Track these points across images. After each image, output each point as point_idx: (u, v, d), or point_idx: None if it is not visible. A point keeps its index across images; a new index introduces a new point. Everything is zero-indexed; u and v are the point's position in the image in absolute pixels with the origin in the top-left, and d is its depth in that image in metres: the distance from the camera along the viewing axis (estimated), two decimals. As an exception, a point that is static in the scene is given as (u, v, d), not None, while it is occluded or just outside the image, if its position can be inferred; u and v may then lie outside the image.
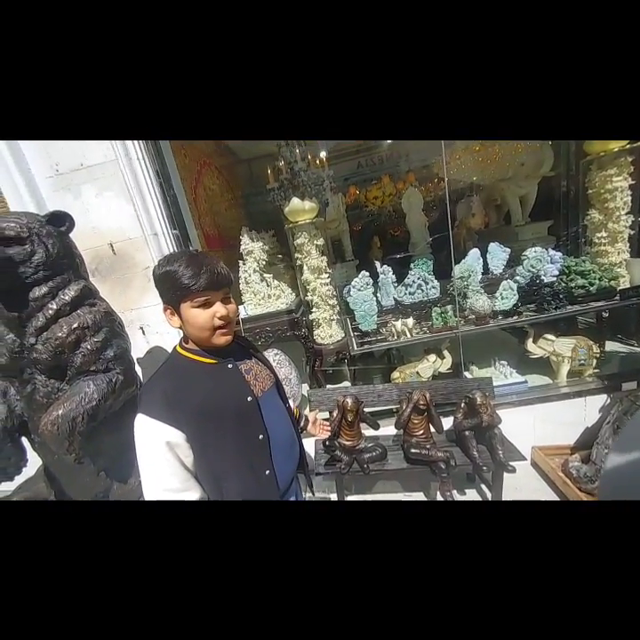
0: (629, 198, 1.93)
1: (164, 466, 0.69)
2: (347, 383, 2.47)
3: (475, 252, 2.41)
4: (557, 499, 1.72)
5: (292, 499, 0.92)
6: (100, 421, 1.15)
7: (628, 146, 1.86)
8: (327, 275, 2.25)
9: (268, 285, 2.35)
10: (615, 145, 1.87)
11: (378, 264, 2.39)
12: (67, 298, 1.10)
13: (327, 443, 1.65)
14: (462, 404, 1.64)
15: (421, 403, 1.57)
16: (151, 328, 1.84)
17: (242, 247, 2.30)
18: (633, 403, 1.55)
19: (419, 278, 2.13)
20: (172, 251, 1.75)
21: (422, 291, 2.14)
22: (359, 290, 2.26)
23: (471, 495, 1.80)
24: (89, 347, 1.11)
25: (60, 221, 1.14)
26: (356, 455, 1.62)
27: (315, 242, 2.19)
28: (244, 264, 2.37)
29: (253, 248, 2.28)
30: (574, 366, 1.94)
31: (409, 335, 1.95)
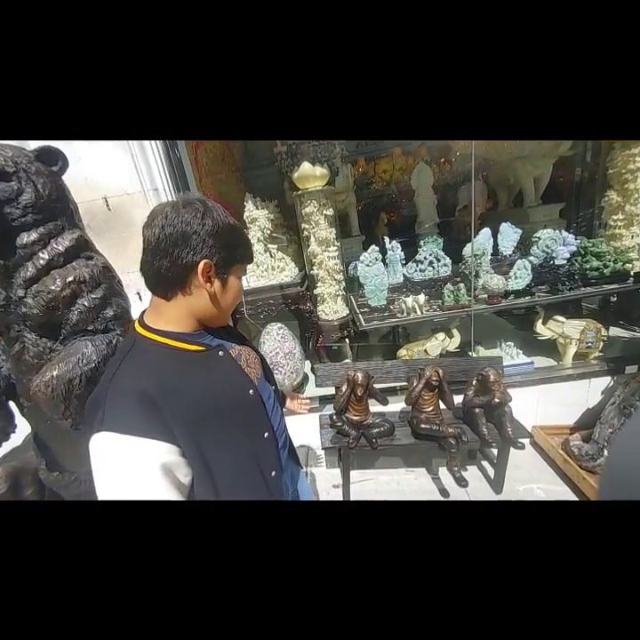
0: (651, 179, 1.89)
1: (155, 496, 0.49)
2: (347, 361, 2.42)
3: (486, 232, 2.35)
4: (556, 476, 1.75)
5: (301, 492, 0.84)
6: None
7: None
8: (335, 248, 2.15)
9: (271, 257, 2.24)
10: None
11: (387, 240, 2.29)
12: (60, 248, 0.98)
13: (334, 417, 1.61)
14: (474, 382, 1.61)
15: (434, 379, 1.54)
16: (149, 293, 1.72)
17: (245, 214, 2.16)
18: (635, 385, 1.56)
19: (431, 255, 2.06)
20: None
21: (433, 268, 2.08)
22: (367, 265, 2.17)
23: (472, 471, 1.81)
24: (86, 303, 1.00)
25: (52, 159, 0.99)
26: (364, 430, 1.59)
27: (324, 211, 2.07)
28: (248, 232, 2.23)
29: (258, 216, 2.14)
30: (581, 349, 1.93)
31: (419, 312, 1.90)
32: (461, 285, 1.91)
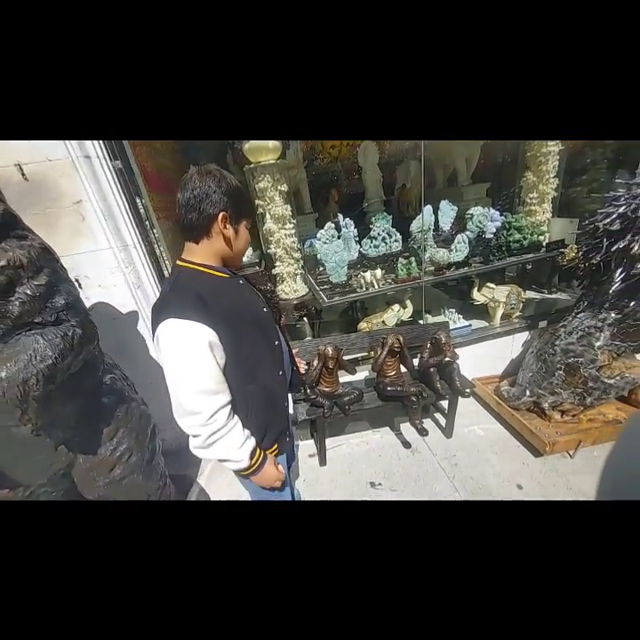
0: (557, 162, 2.23)
1: (203, 366, 0.71)
2: (308, 339, 2.49)
3: (429, 209, 2.54)
4: (491, 417, 2.11)
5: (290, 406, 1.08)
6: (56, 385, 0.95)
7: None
8: (292, 225, 2.13)
9: (225, 235, 2.12)
10: (552, 111, 2.09)
11: (340, 217, 2.34)
12: (-18, 226, 0.82)
13: (308, 391, 1.68)
14: (428, 345, 1.82)
15: (396, 345, 1.69)
16: (91, 280, 1.52)
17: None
18: (552, 334, 1.93)
19: (383, 231, 2.18)
20: (111, 181, 1.40)
21: (386, 243, 2.21)
22: (325, 242, 2.21)
23: (427, 423, 2.08)
24: (29, 292, 0.87)
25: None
26: (336, 400, 1.70)
27: (278, 187, 2.01)
28: (195, 209, 2.07)
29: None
30: (506, 310, 2.29)
31: (377, 286, 2.03)
32: (412, 259, 2.08)
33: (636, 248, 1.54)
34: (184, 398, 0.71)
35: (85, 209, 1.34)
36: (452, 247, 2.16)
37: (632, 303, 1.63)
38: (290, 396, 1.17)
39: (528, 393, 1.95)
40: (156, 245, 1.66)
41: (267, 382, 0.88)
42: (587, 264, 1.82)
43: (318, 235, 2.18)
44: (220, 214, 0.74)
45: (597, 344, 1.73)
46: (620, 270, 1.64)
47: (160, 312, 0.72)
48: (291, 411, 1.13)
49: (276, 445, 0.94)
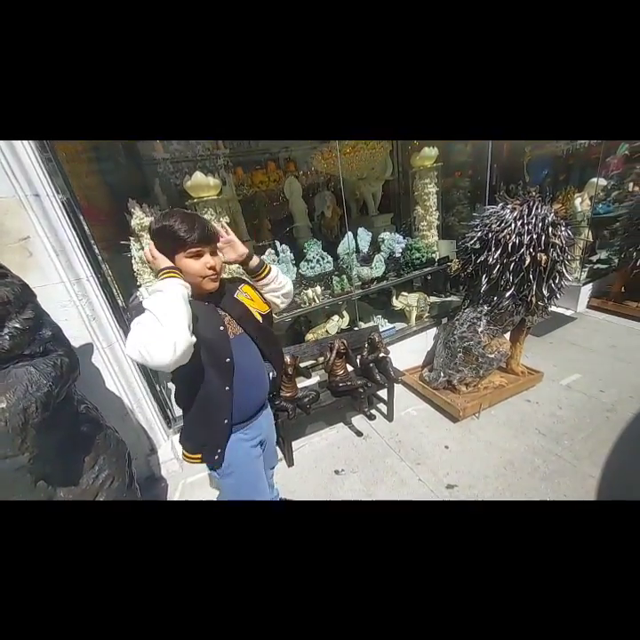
0: (436, 199, 2.97)
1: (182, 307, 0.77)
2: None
3: (349, 234, 3.05)
4: (419, 399, 2.59)
5: (263, 419, 1.16)
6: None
7: (434, 164, 2.85)
8: (236, 252, 2.33)
9: (170, 264, 2.19)
10: (428, 162, 2.82)
11: (277, 243, 2.64)
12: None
13: (271, 398, 1.86)
14: (366, 345, 2.20)
15: (342, 348, 2.02)
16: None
17: (134, 221, 2.03)
18: (451, 327, 2.52)
19: (317, 254, 2.55)
20: (61, 216, 1.41)
21: (320, 265, 2.58)
22: (267, 266, 2.46)
23: (372, 411, 2.44)
24: (18, 325, 0.91)
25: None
26: (297, 402, 1.92)
27: (220, 219, 2.21)
28: (137, 241, 2.10)
29: (149, 222, 2.06)
30: (419, 312, 2.87)
31: (318, 300, 2.36)
32: (344, 276, 2.49)
33: (491, 260, 2.21)
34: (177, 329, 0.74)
35: (33, 245, 1.32)
36: (373, 265, 2.65)
37: (495, 298, 2.30)
38: (265, 413, 1.20)
39: (442, 374, 2.48)
40: (108, 276, 1.67)
41: (208, 396, 0.94)
42: (464, 273, 2.48)
43: (260, 260, 2.42)
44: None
45: (480, 330, 2.36)
46: (484, 276, 2.31)
47: (136, 308, 0.84)
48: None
49: (199, 455, 1.01)
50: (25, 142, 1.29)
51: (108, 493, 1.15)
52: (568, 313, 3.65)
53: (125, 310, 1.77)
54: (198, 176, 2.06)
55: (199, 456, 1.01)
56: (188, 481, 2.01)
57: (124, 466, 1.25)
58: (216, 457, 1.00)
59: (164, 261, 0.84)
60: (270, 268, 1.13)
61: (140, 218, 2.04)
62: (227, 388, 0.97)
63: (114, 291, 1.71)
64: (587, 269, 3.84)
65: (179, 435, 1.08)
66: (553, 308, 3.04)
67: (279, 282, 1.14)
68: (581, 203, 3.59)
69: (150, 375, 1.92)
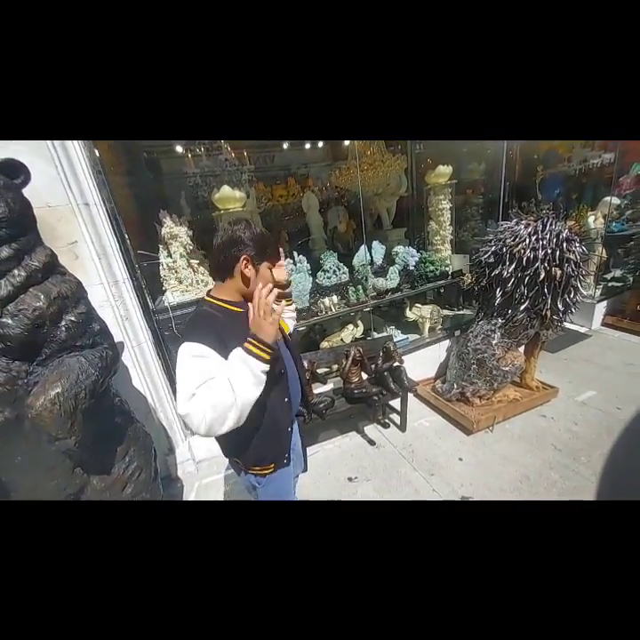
0: (450, 215, 3.05)
1: (192, 373, 0.79)
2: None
3: (364, 247, 3.14)
4: (431, 411, 2.59)
5: (295, 425, 1.19)
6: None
7: (448, 182, 2.94)
8: (256, 261, 2.43)
9: (194, 271, 2.30)
10: (443, 179, 2.92)
11: (295, 254, 2.74)
12: (37, 263, 0.95)
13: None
14: (381, 353, 2.23)
15: (357, 356, 2.06)
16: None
17: (163, 230, 2.16)
18: (464, 339, 2.55)
19: (334, 265, 2.63)
20: (106, 223, 1.53)
21: (336, 275, 2.66)
22: (285, 275, 2.55)
23: (385, 421, 2.45)
24: (74, 319, 0.99)
25: (15, 172, 0.95)
26: (313, 407, 1.95)
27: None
28: (165, 249, 2.22)
29: (179, 232, 2.18)
30: (432, 324, 2.91)
31: (334, 310, 2.42)
32: (359, 287, 2.55)
33: (505, 274, 2.25)
34: (178, 405, 0.78)
35: (80, 248, 1.44)
36: (388, 276, 2.72)
37: (509, 311, 2.33)
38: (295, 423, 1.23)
39: (455, 386, 2.49)
40: (141, 280, 1.78)
41: (269, 409, 0.94)
42: (478, 286, 2.53)
43: (279, 269, 2.52)
44: (242, 257, 0.89)
45: (494, 342, 2.37)
46: (498, 289, 2.34)
47: (184, 335, 0.87)
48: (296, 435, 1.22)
49: (273, 465, 1.03)
50: (80, 155, 1.42)
51: (136, 485, 1.20)
52: (582, 330, 3.63)
53: (154, 313, 1.86)
54: (226, 189, 2.19)
55: (273, 465, 1.03)
56: (203, 482, 2.04)
57: (150, 459, 1.30)
58: (285, 460, 1.04)
59: (264, 326, 0.82)
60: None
61: (171, 227, 2.17)
62: (285, 399, 0.99)
63: (145, 294, 1.81)
64: (601, 287, 3.83)
65: (232, 460, 1.08)
66: (567, 325, 3.04)
67: (294, 308, 1.22)
68: (595, 221, 3.62)
69: (174, 376, 1.98)
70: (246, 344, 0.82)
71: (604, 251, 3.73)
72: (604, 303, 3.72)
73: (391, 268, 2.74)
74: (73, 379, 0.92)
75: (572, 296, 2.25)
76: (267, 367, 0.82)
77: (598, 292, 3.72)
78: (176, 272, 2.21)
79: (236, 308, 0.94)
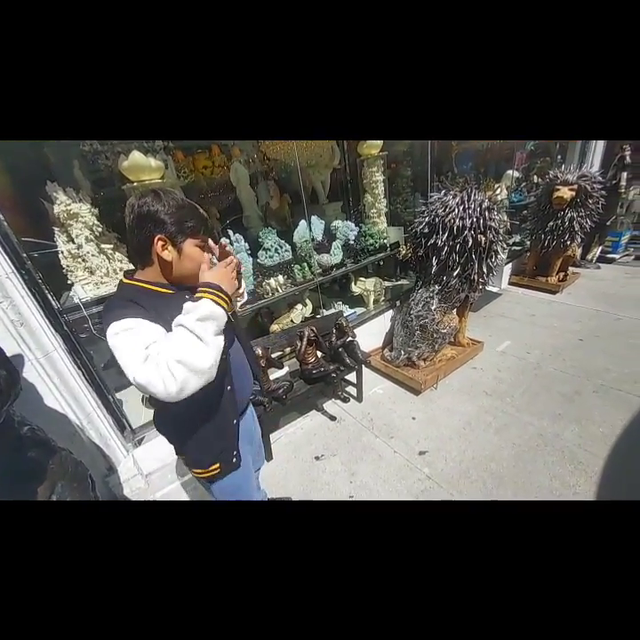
0: (383, 187, 3.10)
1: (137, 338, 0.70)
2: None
3: (303, 223, 3.01)
4: (383, 378, 2.73)
5: (250, 414, 1.12)
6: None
7: (380, 153, 2.95)
8: (187, 242, 2.13)
9: (108, 259, 1.91)
10: (374, 151, 2.92)
11: (231, 233, 2.49)
12: None
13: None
14: (334, 330, 2.22)
15: (312, 335, 2.01)
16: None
17: (57, 209, 1.71)
18: (407, 307, 2.69)
19: (275, 243, 2.47)
20: None
21: (279, 254, 2.51)
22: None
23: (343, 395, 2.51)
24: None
25: None
26: (273, 394, 1.86)
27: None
28: (62, 232, 1.78)
29: (79, 210, 1.76)
30: (376, 297, 3.00)
31: (281, 290, 2.30)
32: (304, 264, 2.46)
33: (439, 242, 2.40)
34: (134, 376, 0.67)
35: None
36: (331, 252, 2.67)
37: (444, 277, 2.52)
38: (251, 409, 1.15)
39: (402, 353, 2.65)
40: (34, 273, 1.37)
41: (214, 401, 0.86)
42: (416, 256, 2.66)
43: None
44: (156, 237, 0.74)
45: (433, 308, 2.56)
46: (434, 258, 2.50)
47: (103, 323, 0.75)
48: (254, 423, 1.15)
49: (217, 465, 0.91)
50: None
51: None
52: (495, 289, 4.18)
53: (62, 313, 1.49)
54: (137, 156, 1.82)
55: (217, 466, 0.92)
56: (157, 496, 1.82)
57: (87, 489, 1.07)
58: (234, 460, 0.94)
59: (209, 274, 0.74)
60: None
61: (66, 204, 1.73)
62: (228, 387, 0.89)
63: (45, 290, 1.43)
64: (507, 251, 4.42)
65: (181, 457, 0.98)
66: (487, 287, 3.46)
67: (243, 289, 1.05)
68: (500, 192, 4.09)
69: (100, 385, 1.67)
70: (204, 293, 0.72)
71: (507, 218, 4.27)
72: (510, 265, 4.32)
73: (334, 242, 2.69)
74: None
75: (493, 260, 2.52)
76: (227, 316, 0.75)
77: (505, 256, 4.29)
78: (84, 260, 1.80)
79: (165, 290, 0.81)
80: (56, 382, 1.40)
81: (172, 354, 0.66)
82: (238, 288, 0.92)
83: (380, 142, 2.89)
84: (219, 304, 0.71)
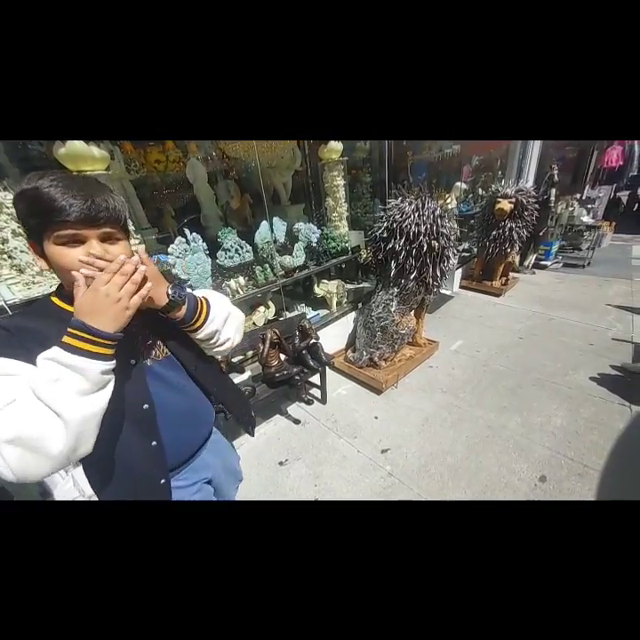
0: (344, 192, 3.16)
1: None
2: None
3: (265, 224, 2.96)
4: (347, 379, 2.77)
5: (208, 454, 0.91)
6: None
7: (341, 158, 3.01)
8: (137, 240, 1.97)
9: (43, 255, 1.70)
10: (335, 155, 2.97)
11: (187, 232, 2.36)
12: None
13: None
14: (297, 332, 2.20)
15: (275, 338, 1.97)
16: None
17: (-23, 196, 1.48)
18: (368, 309, 2.76)
19: (235, 243, 2.39)
20: None
21: (239, 254, 2.43)
22: (178, 257, 2.18)
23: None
24: None
25: None
26: (234, 400, 1.79)
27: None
28: (-16, 223, 1.55)
29: (3, 200, 1.54)
30: (338, 299, 3.04)
31: (242, 292, 2.22)
32: (266, 265, 2.41)
33: (397, 247, 2.51)
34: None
35: None
36: (294, 254, 2.66)
37: (402, 281, 2.63)
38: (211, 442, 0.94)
39: (365, 353, 2.71)
40: None
41: (129, 460, 0.68)
42: (375, 260, 2.75)
43: (170, 249, 2.13)
44: (30, 243, 0.60)
45: (393, 310, 2.66)
46: (392, 261, 2.60)
47: None
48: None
49: None
50: None
51: None
52: (448, 292, 4.47)
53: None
54: (76, 143, 1.64)
55: None
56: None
57: None
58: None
59: (77, 300, 0.52)
60: (207, 308, 0.73)
61: (-11, 192, 1.51)
62: (153, 442, 0.70)
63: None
64: (457, 256, 4.75)
65: None
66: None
67: (221, 325, 0.75)
68: (450, 201, 4.40)
69: None
70: (67, 337, 0.51)
71: (457, 226, 4.61)
72: (460, 270, 4.66)
73: (297, 244, 2.68)
74: None
75: (445, 264, 2.69)
76: (107, 365, 0.54)
77: (456, 261, 4.62)
78: (10, 257, 1.59)
79: (67, 306, 0.63)
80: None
81: (5, 428, 0.47)
82: (171, 307, 0.65)
83: (340, 147, 2.95)
84: (81, 351, 0.51)
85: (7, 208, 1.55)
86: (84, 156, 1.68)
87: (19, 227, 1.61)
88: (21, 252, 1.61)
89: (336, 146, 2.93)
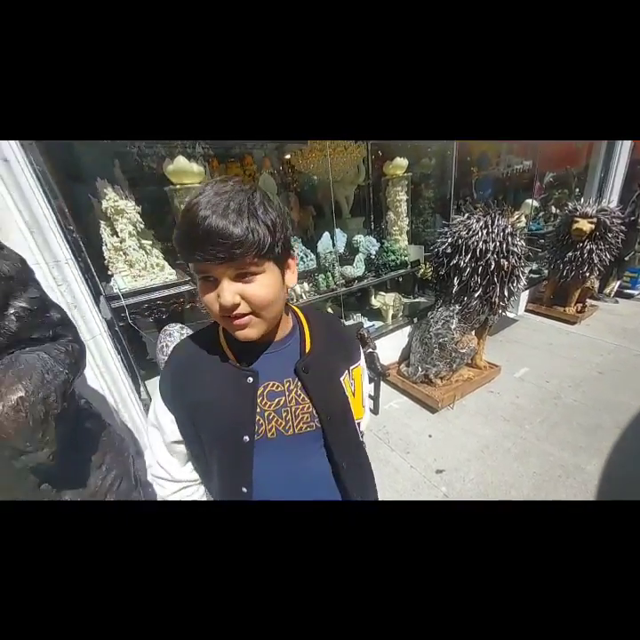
0: (406, 207, 3.18)
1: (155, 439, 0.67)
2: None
3: (327, 234, 3.10)
4: (399, 393, 2.71)
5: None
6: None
7: (405, 174, 3.05)
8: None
9: (146, 254, 1.98)
10: (400, 171, 3.02)
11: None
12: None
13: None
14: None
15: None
16: None
17: (106, 203, 1.80)
18: (426, 324, 2.70)
19: (301, 251, 2.53)
20: (35, 188, 1.16)
21: (304, 262, 2.57)
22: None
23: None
24: (25, 305, 0.74)
25: None
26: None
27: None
28: (108, 226, 1.86)
29: (125, 207, 1.84)
30: (394, 312, 3.02)
31: (305, 297, 2.33)
32: (328, 274, 2.51)
33: (462, 263, 2.44)
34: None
35: (2, 221, 1.08)
36: (354, 264, 2.73)
37: (465, 298, 2.53)
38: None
39: (419, 369, 2.64)
40: (88, 261, 1.45)
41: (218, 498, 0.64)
42: (437, 275, 2.69)
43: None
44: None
45: (453, 327, 2.56)
46: (455, 278, 2.53)
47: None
48: None
49: None
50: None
51: (118, 496, 0.99)
52: (511, 315, 4.16)
53: (109, 299, 1.58)
54: (182, 161, 1.92)
55: None
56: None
57: (129, 466, 1.08)
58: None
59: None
60: None
61: (114, 200, 1.81)
62: (244, 489, 0.61)
63: (95, 277, 1.51)
64: (526, 277, 4.43)
65: None
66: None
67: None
68: (521, 219, 4.16)
69: (136, 372, 1.72)
70: None
71: (527, 246, 4.32)
72: (527, 292, 4.33)
73: (357, 255, 2.75)
74: (37, 379, 0.68)
75: (514, 285, 2.54)
76: None
77: (525, 282, 4.31)
78: (125, 254, 1.87)
79: (229, 352, 0.60)
80: (100, 363, 1.45)
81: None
82: None
83: (405, 163, 3.00)
84: None
85: (127, 213, 1.85)
86: (186, 171, 1.95)
87: (134, 229, 1.91)
88: (134, 250, 1.90)
89: (401, 162, 2.98)
